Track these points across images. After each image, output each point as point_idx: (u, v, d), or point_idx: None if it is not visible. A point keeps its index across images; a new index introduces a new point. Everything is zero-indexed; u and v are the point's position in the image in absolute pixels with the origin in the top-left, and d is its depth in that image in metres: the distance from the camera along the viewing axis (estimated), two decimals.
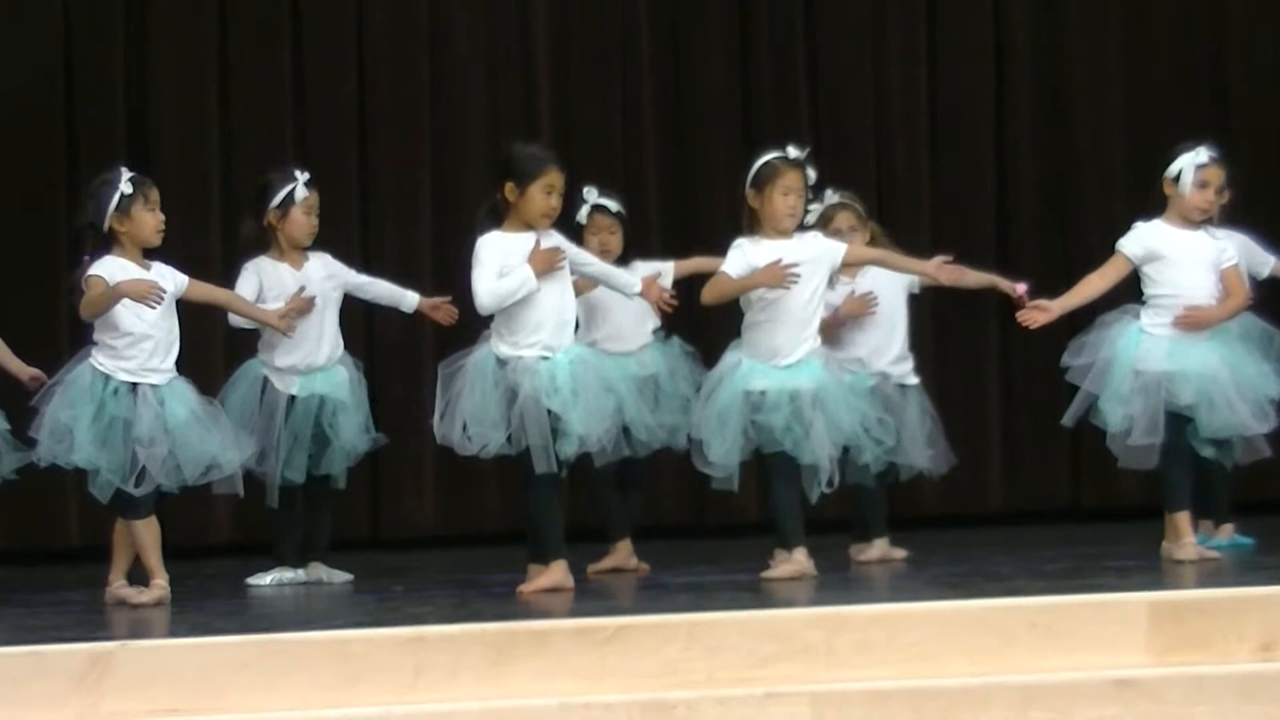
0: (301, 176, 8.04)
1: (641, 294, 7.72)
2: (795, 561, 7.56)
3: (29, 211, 9.29)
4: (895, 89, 9.97)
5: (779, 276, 7.52)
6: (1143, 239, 7.74)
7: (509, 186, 7.41)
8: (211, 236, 9.38)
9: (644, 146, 9.80)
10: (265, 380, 7.97)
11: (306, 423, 7.93)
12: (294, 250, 8.04)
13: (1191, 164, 7.71)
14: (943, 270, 7.78)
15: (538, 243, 7.34)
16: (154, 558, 7.44)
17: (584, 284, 7.76)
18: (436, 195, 9.70)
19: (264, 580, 7.97)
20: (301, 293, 7.92)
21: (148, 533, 7.44)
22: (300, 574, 7.99)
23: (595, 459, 7.57)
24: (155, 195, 7.50)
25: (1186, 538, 7.66)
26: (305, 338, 7.95)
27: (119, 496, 7.38)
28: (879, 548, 8.22)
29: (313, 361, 7.98)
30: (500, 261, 7.33)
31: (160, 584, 7.42)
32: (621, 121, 9.81)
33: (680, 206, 9.72)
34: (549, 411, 7.28)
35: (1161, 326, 7.68)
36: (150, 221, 7.46)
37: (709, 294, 7.68)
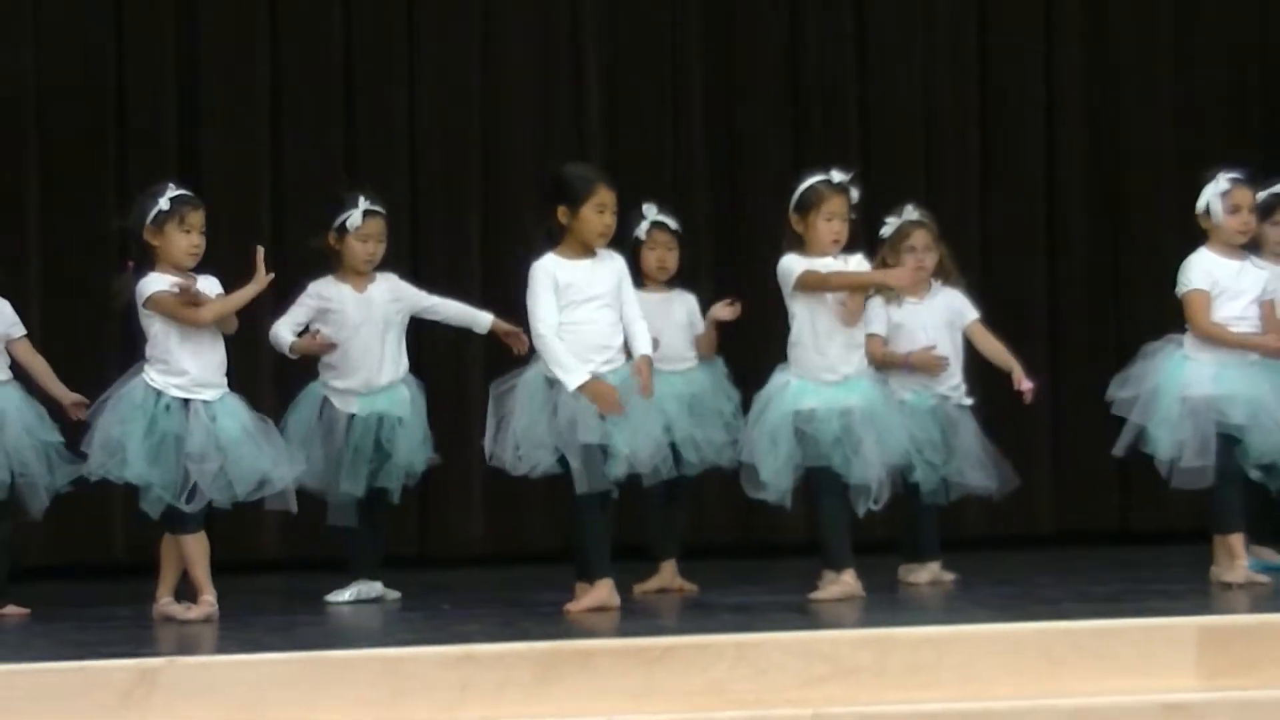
0: (363, 203, 8.06)
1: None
2: (843, 583, 7.55)
3: (76, 218, 9.31)
4: (945, 108, 9.95)
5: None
6: (1205, 269, 7.71)
7: (561, 210, 7.42)
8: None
9: (693, 163, 9.80)
10: (325, 400, 8.00)
11: (367, 439, 7.97)
12: (356, 273, 8.07)
13: (1216, 193, 7.72)
14: (899, 275, 7.83)
15: (603, 388, 7.27)
16: (203, 573, 7.46)
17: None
18: (487, 209, 9.70)
19: (343, 595, 7.97)
20: (318, 335, 7.99)
21: (197, 548, 7.46)
22: (378, 586, 7.99)
23: (644, 479, 7.58)
24: (195, 219, 7.48)
25: (1239, 560, 7.63)
26: (365, 361, 8.00)
27: (169, 512, 7.40)
28: (930, 570, 8.19)
29: (373, 383, 8.01)
30: (555, 286, 7.34)
31: (209, 600, 7.43)
32: (671, 138, 9.80)
33: (729, 224, 9.71)
34: (596, 434, 7.28)
35: (1206, 352, 7.66)
36: (182, 242, 7.45)
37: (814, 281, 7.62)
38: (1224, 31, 10.11)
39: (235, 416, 7.46)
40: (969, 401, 8.25)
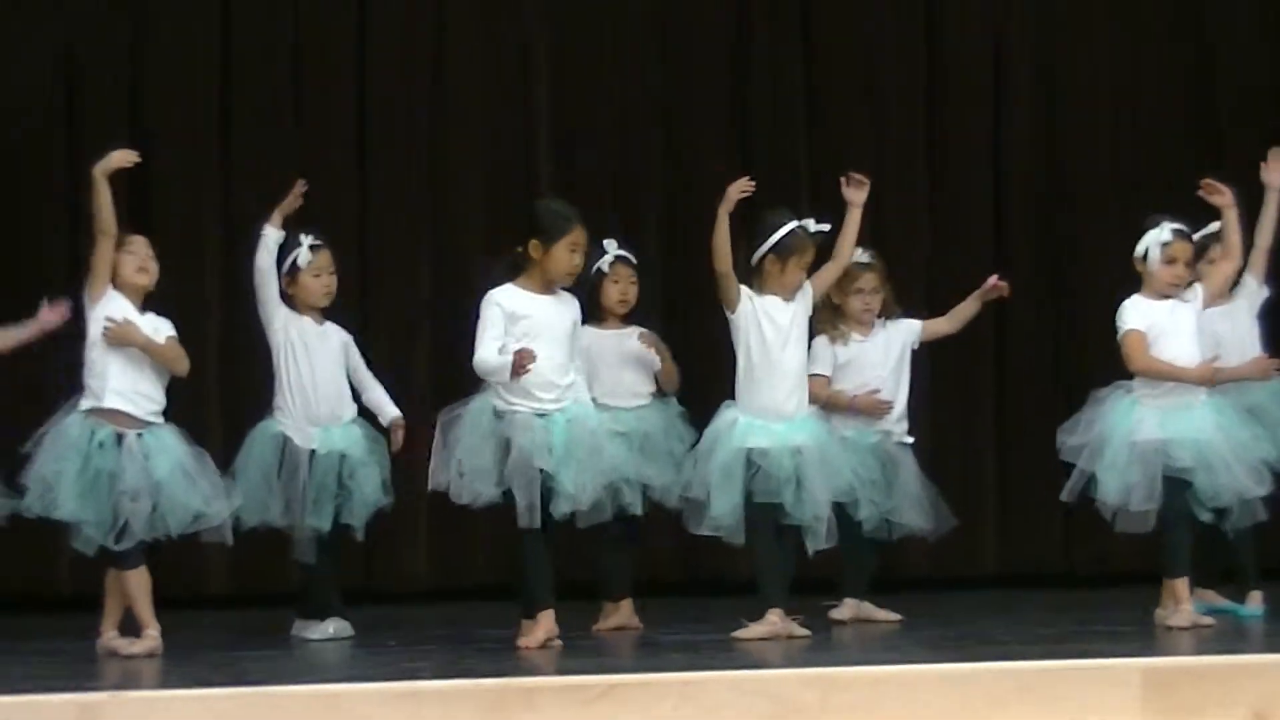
0: (306, 240, 8.06)
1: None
2: (768, 623, 7.58)
3: (25, 233, 9.28)
4: (892, 125, 9.99)
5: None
6: (1142, 312, 7.77)
7: (534, 244, 7.45)
8: (210, 281, 9.40)
9: (641, 196, 9.82)
10: (283, 437, 7.98)
11: (329, 475, 7.98)
12: (313, 308, 8.09)
13: (1156, 241, 7.79)
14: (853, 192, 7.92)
15: (520, 355, 7.30)
16: (145, 608, 7.43)
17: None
18: (436, 225, 9.71)
19: (322, 633, 7.95)
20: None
21: (139, 583, 7.44)
22: (348, 626, 7.99)
23: (580, 519, 7.57)
24: (142, 250, 7.54)
25: (1184, 604, 7.67)
26: (328, 393, 8.03)
27: (107, 548, 7.37)
28: (849, 607, 8.20)
29: (338, 414, 8.02)
30: (505, 319, 7.36)
31: (152, 634, 7.41)
32: (620, 166, 9.82)
33: (679, 259, 9.73)
34: (541, 470, 7.29)
35: (1153, 398, 7.71)
36: (129, 272, 7.49)
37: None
38: (1168, 47, 10.15)
39: (170, 452, 7.47)
40: (910, 440, 8.29)
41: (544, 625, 7.33)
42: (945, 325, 8.43)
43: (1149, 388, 7.77)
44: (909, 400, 8.33)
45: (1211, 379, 7.76)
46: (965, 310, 8.40)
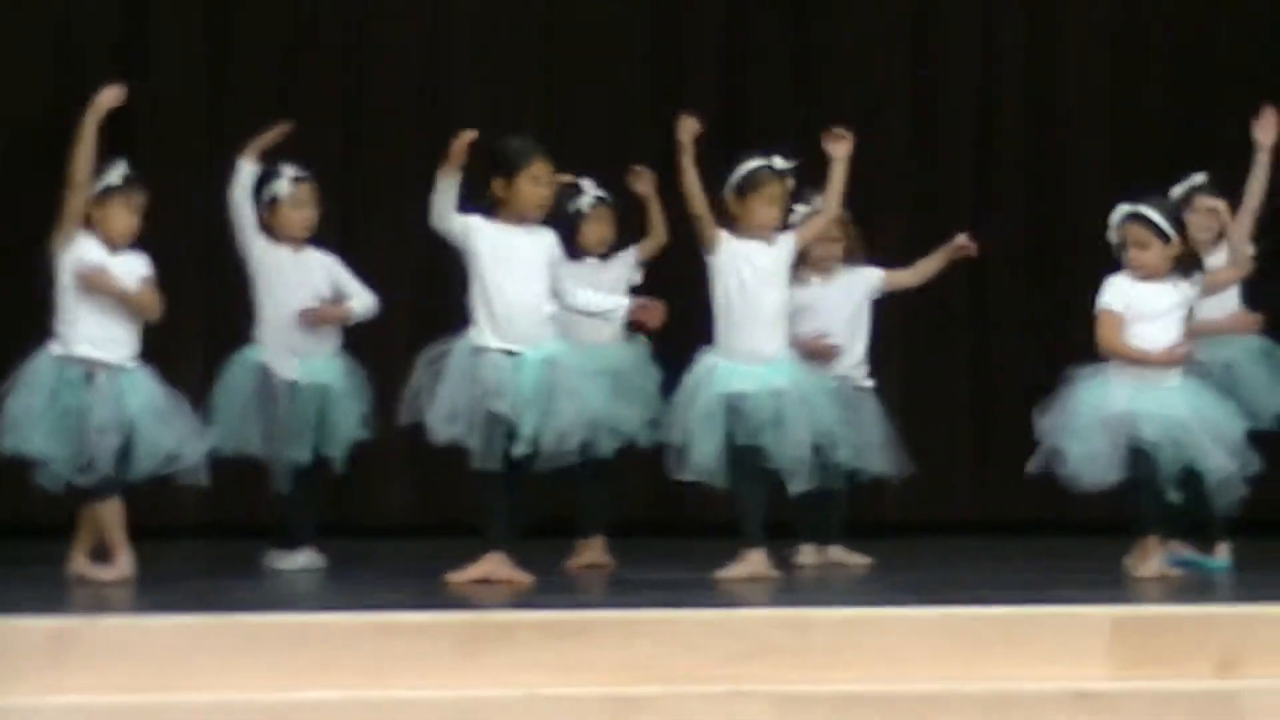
0: (288, 172, 8.03)
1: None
2: (751, 562, 7.60)
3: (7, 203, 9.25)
4: (880, 99, 9.99)
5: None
6: (1122, 291, 7.76)
7: (498, 182, 7.45)
8: (193, 221, 9.37)
9: (632, 137, 9.81)
10: (263, 368, 7.97)
11: (309, 406, 7.97)
12: (292, 239, 8.05)
13: (1115, 226, 7.77)
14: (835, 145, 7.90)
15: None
16: (118, 536, 7.45)
17: None
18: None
19: (293, 562, 7.96)
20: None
21: (111, 513, 7.46)
22: (319, 558, 8.00)
23: (542, 461, 7.53)
24: (139, 200, 7.54)
25: (1153, 559, 7.70)
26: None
27: (74, 483, 7.39)
28: (809, 552, 8.23)
29: (318, 345, 8.01)
30: (472, 240, 7.38)
31: (124, 561, 7.41)
32: (608, 114, 9.81)
33: (669, 204, 9.74)
34: (499, 412, 7.30)
35: (1125, 373, 7.70)
36: (123, 221, 7.48)
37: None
38: (1163, 26, 10.14)
39: (142, 391, 7.47)
40: (869, 383, 8.29)
41: (485, 565, 7.34)
42: (908, 278, 8.41)
43: (1122, 367, 7.76)
44: (868, 346, 8.31)
45: (1177, 363, 7.72)
46: (929, 265, 8.39)
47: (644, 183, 8.22)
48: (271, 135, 8.00)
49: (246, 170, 7.97)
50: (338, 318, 8.07)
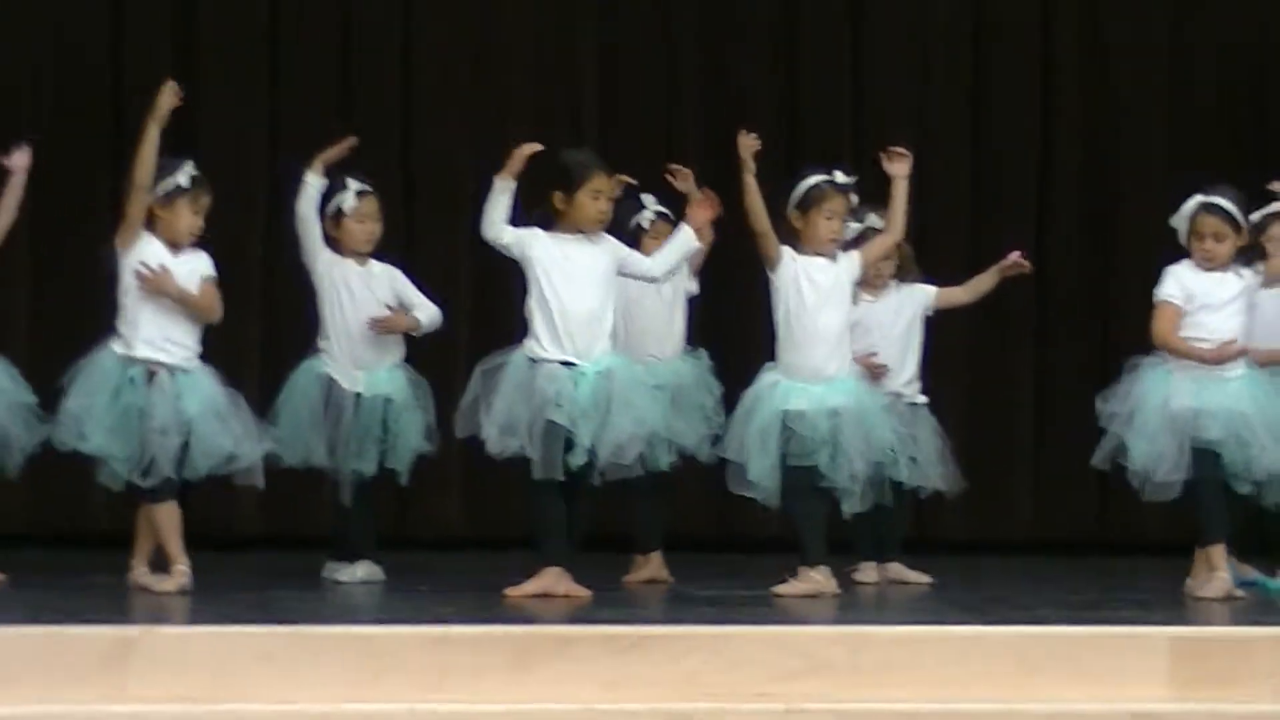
0: (353, 184, 8.07)
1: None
2: (812, 579, 7.58)
3: (74, 199, 9.30)
4: (937, 119, 9.96)
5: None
6: (1181, 281, 7.73)
7: (557, 195, 7.47)
8: (254, 225, 9.41)
9: (686, 156, 9.82)
10: (328, 379, 8.00)
11: (374, 418, 7.98)
12: (356, 254, 8.08)
13: (1185, 216, 7.73)
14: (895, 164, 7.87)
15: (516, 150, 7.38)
16: (175, 544, 7.46)
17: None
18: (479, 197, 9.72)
19: (352, 574, 7.97)
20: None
21: (168, 519, 7.46)
22: (380, 570, 8.02)
23: (610, 471, 7.55)
24: (205, 202, 7.57)
25: (1220, 571, 7.63)
26: (372, 335, 8.02)
27: (134, 484, 7.42)
28: (868, 569, 8.21)
29: (383, 357, 8.02)
30: (532, 254, 7.40)
31: (181, 570, 7.43)
32: (666, 130, 9.83)
33: (722, 219, 9.74)
34: (559, 423, 7.31)
35: (1190, 366, 7.68)
36: (187, 222, 7.51)
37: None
38: (1218, 35, 10.10)
39: (202, 392, 7.48)
40: (923, 399, 8.27)
41: (543, 580, 7.35)
42: (962, 295, 8.39)
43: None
44: (921, 362, 8.28)
45: (1230, 359, 7.69)
46: (983, 283, 8.35)
47: (685, 180, 8.19)
48: (336, 150, 8.04)
49: (313, 184, 8.00)
50: (408, 327, 8.10)
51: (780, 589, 7.56)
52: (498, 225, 7.46)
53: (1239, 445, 7.61)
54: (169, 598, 7.29)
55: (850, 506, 7.65)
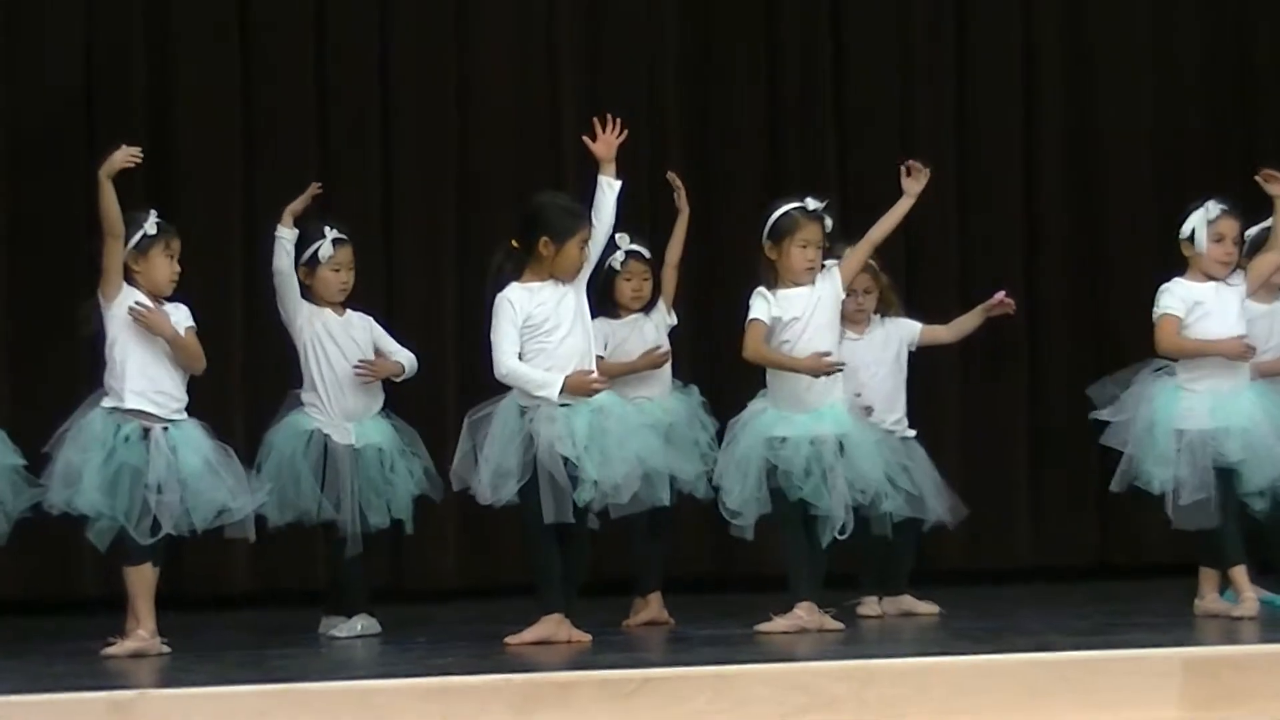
0: (330, 233, 8.01)
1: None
2: (794, 616, 7.51)
3: (48, 234, 9.23)
4: (921, 133, 9.92)
5: (821, 367, 7.58)
6: (1181, 296, 7.69)
7: (544, 241, 7.39)
8: (233, 275, 9.34)
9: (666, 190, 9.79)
10: (320, 435, 7.91)
11: (372, 470, 7.92)
12: (331, 303, 8.03)
13: (1203, 220, 7.69)
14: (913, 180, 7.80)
15: (578, 378, 7.31)
16: (144, 606, 7.35)
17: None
18: (462, 232, 9.66)
19: (350, 630, 7.88)
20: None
21: (141, 580, 7.37)
22: (376, 623, 7.93)
23: (611, 511, 7.52)
24: (176, 246, 7.52)
25: (1246, 592, 7.59)
26: (358, 384, 7.96)
27: (119, 543, 7.33)
28: (871, 604, 8.15)
29: (370, 406, 7.97)
30: (522, 319, 7.34)
31: (143, 634, 7.31)
32: (647, 165, 9.76)
33: (704, 250, 9.68)
34: (565, 459, 7.24)
35: (1199, 382, 7.62)
36: (165, 269, 7.46)
37: (750, 353, 7.65)
38: (1203, 50, 10.07)
39: (195, 446, 7.41)
40: (912, 433, 8.21)
41: (544, 627, 7.28)
42: (945, 334, 8.35)
43: (1190, 371, 7.68)
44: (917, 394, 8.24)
45: (1243, 353, 7.63)
46: (967, 323, 8.33)
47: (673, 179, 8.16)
48: (301, 200, 7.98)
49: (286, 237, 7.94)
50: (391, 372, 8.02)
51: (764, 627, 7.50)
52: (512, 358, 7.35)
53: (1256, 463, 7.56)
54: (163, 659, 7.21)
55: (828, 536, 7.56)
